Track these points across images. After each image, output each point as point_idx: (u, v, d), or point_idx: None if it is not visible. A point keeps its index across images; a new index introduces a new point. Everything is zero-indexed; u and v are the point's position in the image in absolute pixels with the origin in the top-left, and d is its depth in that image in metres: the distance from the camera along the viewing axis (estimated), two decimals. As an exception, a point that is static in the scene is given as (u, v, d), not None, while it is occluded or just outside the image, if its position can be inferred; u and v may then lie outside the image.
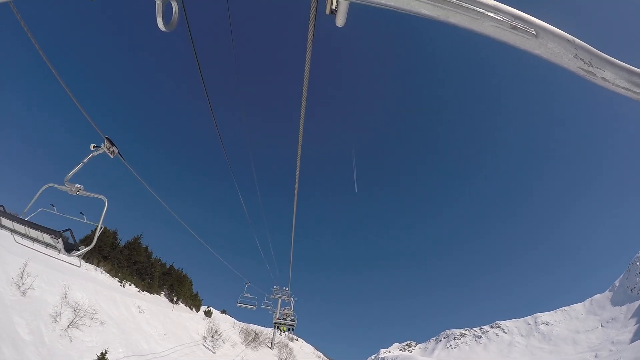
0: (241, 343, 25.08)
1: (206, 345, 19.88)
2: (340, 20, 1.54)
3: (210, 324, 22.10)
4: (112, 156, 6.69)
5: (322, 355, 55.99)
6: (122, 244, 46.99)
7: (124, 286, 37.40)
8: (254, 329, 33.29)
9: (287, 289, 31.33)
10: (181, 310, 28.39)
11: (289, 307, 22.84)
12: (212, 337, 20.72)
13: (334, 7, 1.54)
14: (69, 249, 6.48)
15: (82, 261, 37.63)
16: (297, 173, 5.72)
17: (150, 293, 42.87)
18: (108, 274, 37.92)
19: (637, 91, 1.27)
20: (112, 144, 6.64)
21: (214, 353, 19.28)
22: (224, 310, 65.55)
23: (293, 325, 20.22)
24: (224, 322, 33.90)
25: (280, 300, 31.31)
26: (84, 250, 6.67)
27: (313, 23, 2.58)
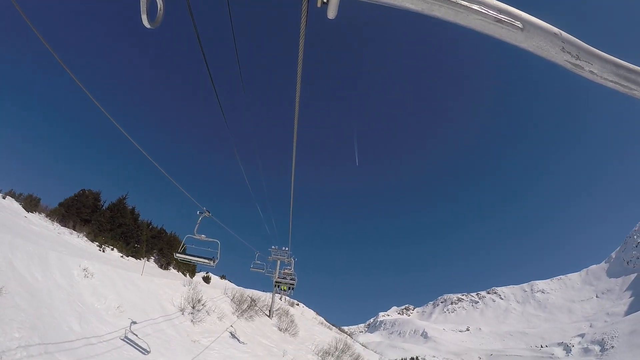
0: (232, 313, 20.93)
1: (182, 319, 15.46)
2: (331, 13, 1.54)
3: (191, 291, 17.65)
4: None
5: (323, 321, 53.66)
6: (106, 207, 42.92)
7: (103, 251, 33.42)
8: (249, 295, 29.34)
9: (286, 248, 27.38)
10: (157, 274, 24.17)
11: (289, 267, 21.75)
12: (193, 307, 16.34)
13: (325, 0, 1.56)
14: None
15: (57, 224, 33.48)
16: (293, 171, 6.16)
17: (136, 258, 39.03)
18: (86, 238, 33.92)
19: (625, 84, 1.26)
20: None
21: (193, 328, 14.97)
22: (223, 275, 62.47)
23: (293, 284, 20.48)
24: (215, 288, 29.96)
25: (279, 262, 27.57)
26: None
27: (305, 14, 2.60)
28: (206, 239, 11.51)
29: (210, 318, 17.05)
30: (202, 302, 17.17)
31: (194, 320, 15.62)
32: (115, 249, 36.03)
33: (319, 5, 1.54)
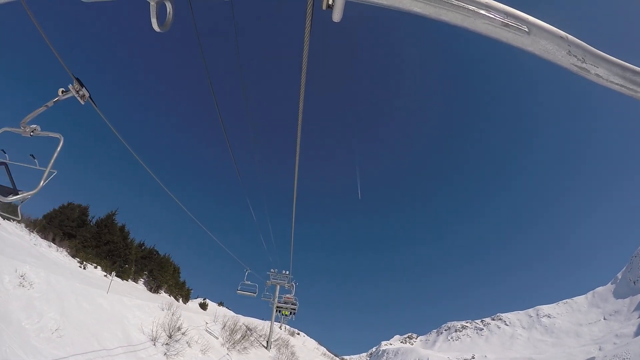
0: (222, 345, 17.78)
1: (152, 352, 12.41)
2: (337, 16, 1.50)
3: (170, 316, 14.59)
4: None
5: (326, 352, 49.60)
6: (94, 222, 40.08)
7: (85, 268, 30.36)
8: (244, 323, 26.01)
9: (287, 272, 24.56)
10: (145, 297, 21.01)
11: (291, 293, 20.46)
12: (170, 336, 13.34)
13: (330, 2, 1.51)
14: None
15: (35, 235, 30.45)
16: (296, 178, 5.88)
17: (123, 279, 35.82)
18: (66, 253, 30.96)
19: (631, 87, 1.25)
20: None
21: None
22: (221, 302, 58.43)
23: (295, 310, 19.81)
24: (210, 315, 26.66)
25: (278, 287, 24.70)
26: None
27: (310, 18, 2.54)
28: (37, 131, 4.61)
29: (191, 351, 13.98)
30: (183, 330, 14.13)
31: (168, 354, 12.56)
32: (99, 267, 32.98)
33: (324, 8, 1.50)
